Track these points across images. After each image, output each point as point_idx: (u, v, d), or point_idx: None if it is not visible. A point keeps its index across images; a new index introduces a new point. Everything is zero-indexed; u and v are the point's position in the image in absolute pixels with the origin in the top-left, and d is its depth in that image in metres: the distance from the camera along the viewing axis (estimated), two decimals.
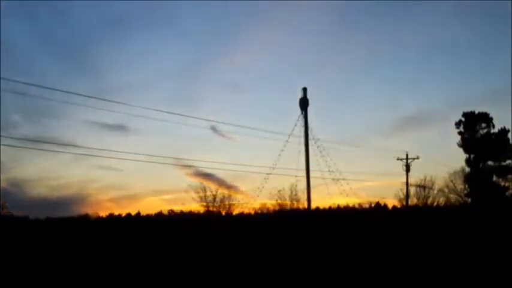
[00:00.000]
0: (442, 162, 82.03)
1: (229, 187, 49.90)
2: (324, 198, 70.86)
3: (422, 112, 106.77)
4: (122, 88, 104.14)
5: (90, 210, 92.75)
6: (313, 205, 33.85)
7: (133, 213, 79.06)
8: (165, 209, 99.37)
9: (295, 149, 28.30)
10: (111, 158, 36.57)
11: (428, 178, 58.51)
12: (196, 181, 71.16)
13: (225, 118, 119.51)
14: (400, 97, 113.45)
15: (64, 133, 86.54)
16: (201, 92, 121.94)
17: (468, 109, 59.26)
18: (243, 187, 52.45)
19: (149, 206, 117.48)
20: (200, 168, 52.49)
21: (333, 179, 29.44)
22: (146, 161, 34.12)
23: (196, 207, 51.34)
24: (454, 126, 59.52)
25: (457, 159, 60.20)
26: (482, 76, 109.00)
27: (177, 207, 69.20)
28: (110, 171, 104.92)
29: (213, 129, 45.23)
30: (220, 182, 50.10)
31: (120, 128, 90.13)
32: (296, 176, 29.56)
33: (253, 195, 32.00)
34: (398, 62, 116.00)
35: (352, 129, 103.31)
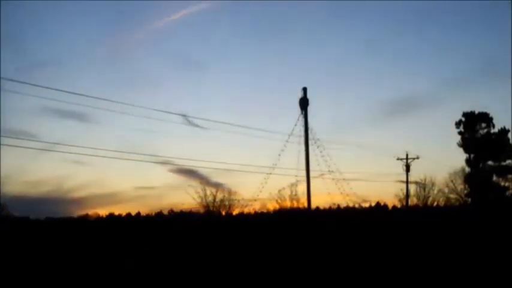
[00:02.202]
0: (442, 162, 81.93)
1: (214, 185, 49.56)
2: (324, 197, 70.80)
3: (412, 96, 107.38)
4: (49, 64, 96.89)
5: (72, 210, 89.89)
6: (313, 205, 33.83)
7: (118, 211, 78.35)
8: (149, 205, 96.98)
9: (295, 149, 28.27)
10: (81, 154, 34.21)
11: (428, 178, 58.47)
12: (177, 177, 70.81)
13: (194, 105, 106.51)
14: (389, 82, 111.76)
15: (16, 123, 79.62)
16: (155, 70, 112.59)
17: (459, 89, 59.21)
18: (230, 185, 51.15)
19: (134, 203, 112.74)
20: (180, 164, 51.74)
21: (333, 179, 29.40)
22: (127, 159, 32.34)
23: (196, 207, 51.13)
24: (448, 111, 59.78)
25: (457, 159, 60.30)
26: (472, 54, 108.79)
27: (176, 206, 68.80)
28: (80, 166, 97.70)
29: (184, 118, 43.75)
30: (205, 179, 49.56)
31: (79, 117, 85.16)
32: (296, 176, 29.55)
33: (253, 195, 31.92)
34: (384, 44, 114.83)
35: (346, 123, 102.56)
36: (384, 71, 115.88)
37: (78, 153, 34.26)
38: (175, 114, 48.96)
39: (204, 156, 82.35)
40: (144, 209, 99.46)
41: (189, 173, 49.94)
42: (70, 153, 32.47)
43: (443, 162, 74.48)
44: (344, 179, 29.55)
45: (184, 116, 43.97)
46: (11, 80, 22.00)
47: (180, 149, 78.47)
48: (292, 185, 43.88)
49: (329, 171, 28.85)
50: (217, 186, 49.28)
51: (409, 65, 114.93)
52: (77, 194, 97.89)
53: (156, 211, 76.61)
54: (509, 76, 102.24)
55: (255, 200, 33.96)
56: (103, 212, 78.84)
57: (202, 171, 46.75)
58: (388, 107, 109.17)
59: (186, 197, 48.51)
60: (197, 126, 38.70)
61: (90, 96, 27.16)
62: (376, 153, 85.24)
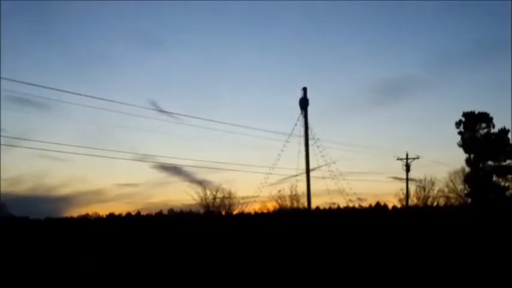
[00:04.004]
0: (442, 161, 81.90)
1: (200, 182, 49.58)
2: (324, 197, 70.72)
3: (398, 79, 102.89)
4: None
5: (57, 208, 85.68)
6: (313, 205, 33.87)
7: (105, 210, 77.55)
8: (138, 203, 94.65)
9: (294, 149, 28.28)
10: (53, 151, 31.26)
11: (428, 178, 58.60)
12: (160, 174, 69.71)
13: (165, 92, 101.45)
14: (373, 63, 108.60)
15: None
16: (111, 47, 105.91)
17: (449, 69, 58.32)
18: (218, 182, 50.39)
19: (121, 202, 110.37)
20: (163, 161, 51.39)
21: (333, 179, 29.40)
22: (107, 157, 30.31)
23: (196, 206, 51.21)
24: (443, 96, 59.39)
25: (457, 159, 60.31)
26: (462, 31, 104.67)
27: (166, 205, 68.77)
28: (55, 162, 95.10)
29: (154, 105, 43.34)
30: (190, 177, 49.38)
31: (40, 108, 78.39)
32: (296, 176, 29.57)
33: (253, 195, 31.98)
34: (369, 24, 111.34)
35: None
36: (370, 56, 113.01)
37: (59, 151, 32.21)
38: (158, 110, 48.27)
39: (200, 155, 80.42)
40: (133, 207, 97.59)
41: (172, 170, 49.65)
42: (42, 149, 29.86)
43: (443, 162, 74.81)
44: (344, 179, 29.56)
45: (157, 108, 43.38)
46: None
47: (164, 146, 76.23)
48: (292, 185, 44.01)
49: (329, 171, 28.89)
50: (204, 183, 49.30)
51: (394, 48, 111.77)
52: (59, 192, 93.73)
53: (143, 210, 76.86)
54: (502, 57, 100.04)
55: (255, 200, 34.03)
56: (90, 210, 77.49)
57: (189, 168, 46.57)
58: (380, 96, 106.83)
59: (173, 195, 48.70)
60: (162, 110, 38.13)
61: (65, 91, 24.87)
62: (370, 149, 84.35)
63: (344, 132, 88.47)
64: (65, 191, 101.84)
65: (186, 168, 47.58)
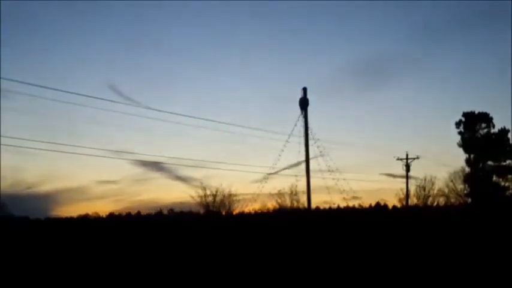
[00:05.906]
0: (442, 161, 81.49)
1: (183, 179, 49.54)
2: (324, 198, 70.60)
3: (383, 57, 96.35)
4: None
5: (41, 207, 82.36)
6: (313, 205, 33.82)
7: (92, 208, 76.44)
8: (124, 201, 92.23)
9: (295, 149, 28.19)
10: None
11: (428, 178, 58.66)
12: (138, 170, 68.03)
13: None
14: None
15: None
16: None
17: (437, 42, 57.36)
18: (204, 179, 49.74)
19: (108, 200, 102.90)
20: (143, 158, 50.77)
21: (333, 179, 29.33)
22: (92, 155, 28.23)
23: (196, 206, 51.16)
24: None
25: (457, 159, 60.31)
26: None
27: (155, 203, 68.71)
28: (26, 157, 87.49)
29: (112, 89, 41.85)
30: (172, 173, 49.02)
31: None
32: (296, 176, 29.51)
33: (253, 195, 31.96)
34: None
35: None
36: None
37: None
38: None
39: (197, 153, 76.90)
40: (121, 205, 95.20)
41: (155, 166, 49.01)
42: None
43: (443, 161, 74.65)
44: (344, 179, 29.47)
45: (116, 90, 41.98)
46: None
47: (147, 142, 73.02)
48: (292, 185, 43.99)
49: (329, 170, 28.80)
50: (189, 180, 49.19)
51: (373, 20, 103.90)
52: (38, 190, 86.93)
53: (131, 208, 76.52)
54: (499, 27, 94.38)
55: (255, 201, 34.01)
56: (76, 209, 76.24)
57: (186, 167, 46.01)
58: (362, 79, 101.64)
59: (161, 193, 48.29)
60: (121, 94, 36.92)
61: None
62: (358, 144, 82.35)
63: (327, 123, 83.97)
64: (43, 188, 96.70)
65: (179, 167, 47.29)
